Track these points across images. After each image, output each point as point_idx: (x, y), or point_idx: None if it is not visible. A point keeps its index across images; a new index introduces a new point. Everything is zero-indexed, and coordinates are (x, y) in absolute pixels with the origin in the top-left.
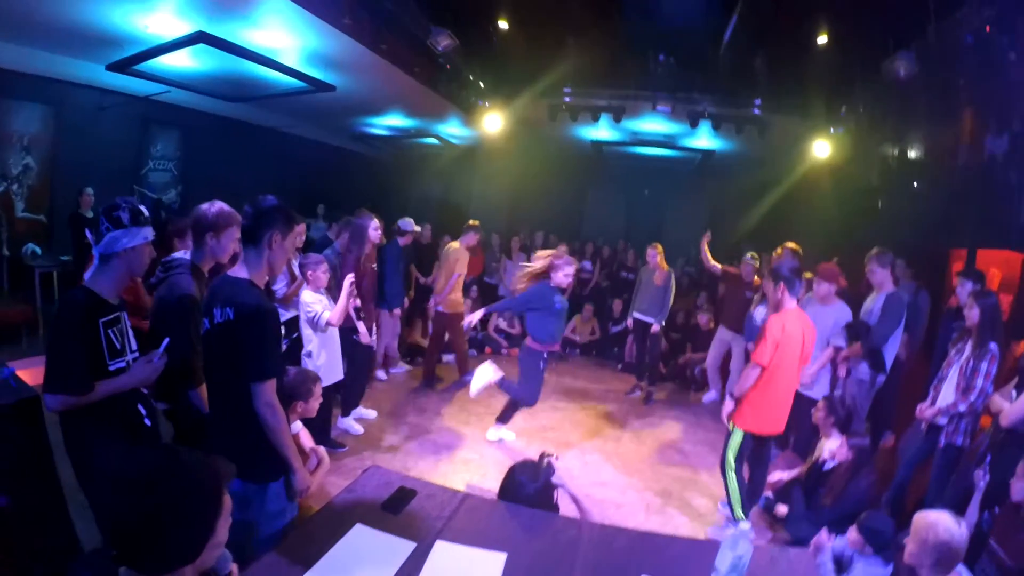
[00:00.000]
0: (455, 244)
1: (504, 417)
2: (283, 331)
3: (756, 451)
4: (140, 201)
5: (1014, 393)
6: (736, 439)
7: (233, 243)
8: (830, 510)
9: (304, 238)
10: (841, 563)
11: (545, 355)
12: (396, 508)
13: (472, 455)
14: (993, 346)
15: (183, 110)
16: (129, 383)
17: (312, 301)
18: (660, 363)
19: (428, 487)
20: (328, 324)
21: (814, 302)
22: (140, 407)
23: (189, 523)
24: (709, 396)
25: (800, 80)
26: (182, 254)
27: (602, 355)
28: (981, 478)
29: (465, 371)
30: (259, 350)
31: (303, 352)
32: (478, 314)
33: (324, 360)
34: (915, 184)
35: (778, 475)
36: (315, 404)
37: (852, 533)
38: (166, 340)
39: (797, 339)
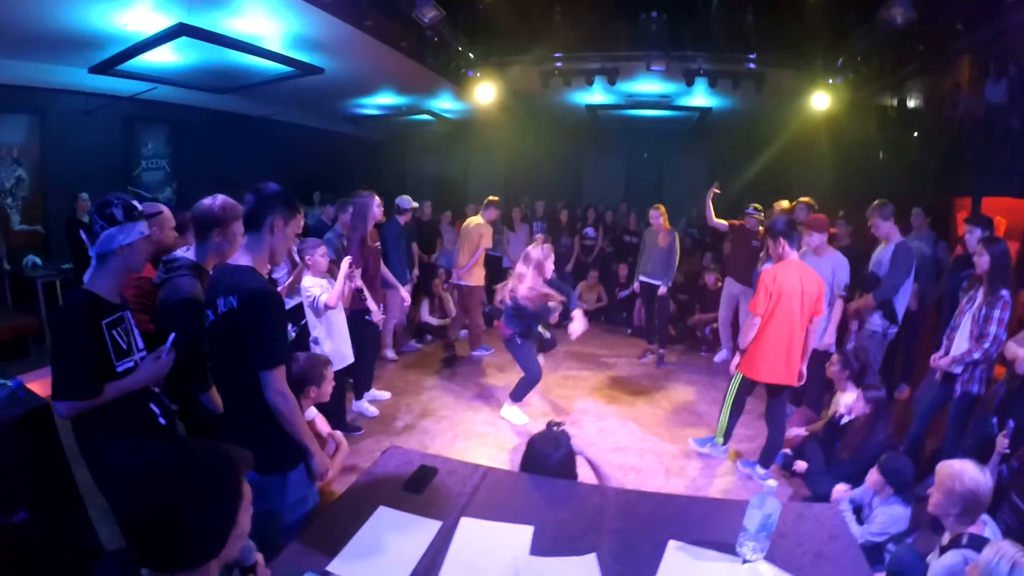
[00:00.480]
0: (477, 219)
1: (518, 395)
2: (290, 320)
3: (771, 407)
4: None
5: None
6: (735, 381)
7: (240, 238)
8: (848, 463)
9: (303, 224)
10: (860, 510)
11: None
12: (418, 487)
13: (488, 429)
14: (1004, 293)
15: (170, 106)
16: (139, 382)
17: (311, 285)
18: (669, 325)
19: (448, 463)
20: (327, 307)
21: (809, 254)
22: (153, 406)
23: (210, 515)
24: (721, 356)
25: (795, 32)
26: (184, 251)
27: (610, 321)
28: (999, 437)
29: (477, 346)
30: (266, 336)
31: (310, 339)
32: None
33: (331, 346)
34: (915, 134)
35: (795, 432)
36: (328, 388)
37: (873, 474)
38: (172, 335)
39: (795, 289)
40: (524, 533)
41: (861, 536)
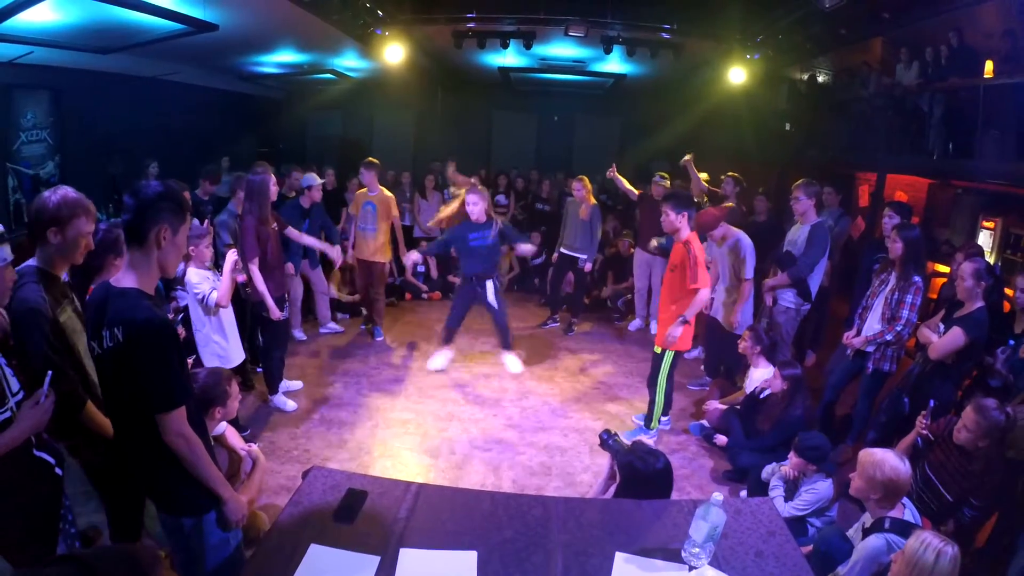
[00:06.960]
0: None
1: (509, 342)
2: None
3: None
4: (16, 179)
5: (941, 327)
6: (667, 360)
7: (83, 239)
8: (769, 437)
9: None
10: (792, 486)
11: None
12: (349, 516)
13: (407, 415)
14: (917, 279)
15: (52, 70)
16: (21, 434)
17: (199, 280)
18: (584, 295)
19: (378, 483)
20: (218, 305)
21: (713, 246)
22: (43, 455)
23: None
24: (635, 324)
25: (716, 2)
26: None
27: (524, 289)
28: (920, 417)
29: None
30: (158, 375)
31: (196, 337)
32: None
33: (222, 345)
34: (823, 108)
35: (713, 405)
36: (234, 404)
37: (792, 458)
38: (49, 373)
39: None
40: (469, 560)
41: (785, 511)
